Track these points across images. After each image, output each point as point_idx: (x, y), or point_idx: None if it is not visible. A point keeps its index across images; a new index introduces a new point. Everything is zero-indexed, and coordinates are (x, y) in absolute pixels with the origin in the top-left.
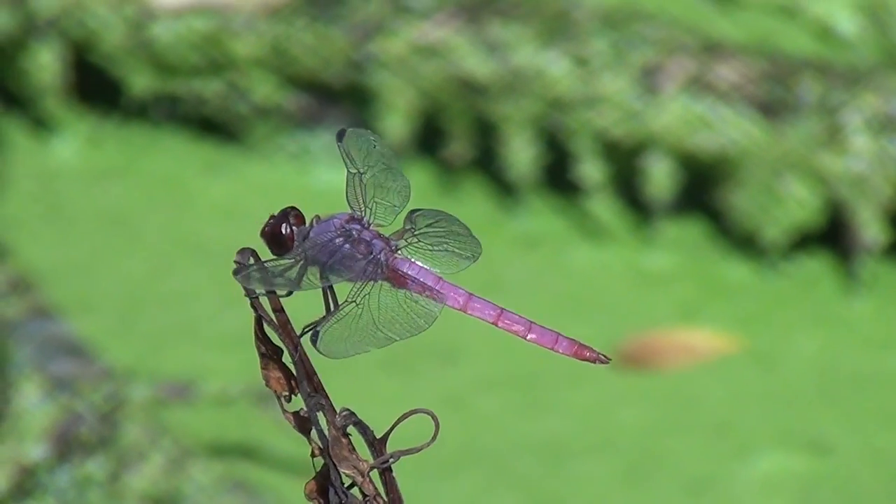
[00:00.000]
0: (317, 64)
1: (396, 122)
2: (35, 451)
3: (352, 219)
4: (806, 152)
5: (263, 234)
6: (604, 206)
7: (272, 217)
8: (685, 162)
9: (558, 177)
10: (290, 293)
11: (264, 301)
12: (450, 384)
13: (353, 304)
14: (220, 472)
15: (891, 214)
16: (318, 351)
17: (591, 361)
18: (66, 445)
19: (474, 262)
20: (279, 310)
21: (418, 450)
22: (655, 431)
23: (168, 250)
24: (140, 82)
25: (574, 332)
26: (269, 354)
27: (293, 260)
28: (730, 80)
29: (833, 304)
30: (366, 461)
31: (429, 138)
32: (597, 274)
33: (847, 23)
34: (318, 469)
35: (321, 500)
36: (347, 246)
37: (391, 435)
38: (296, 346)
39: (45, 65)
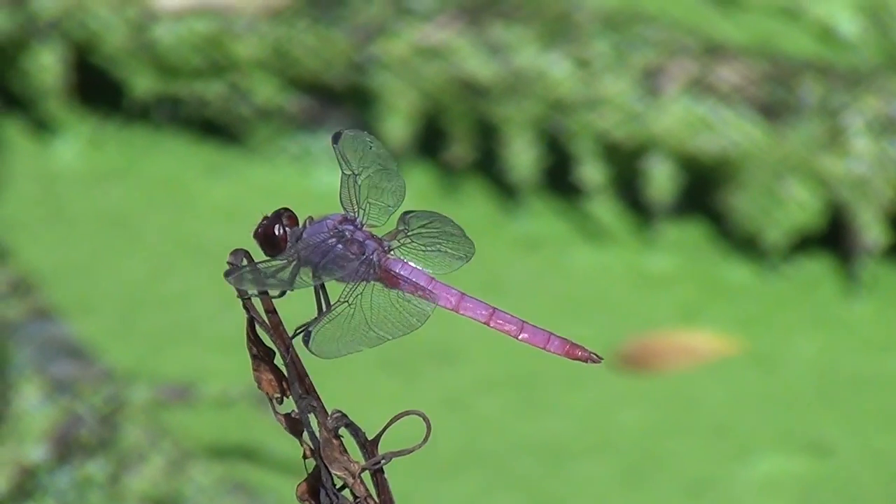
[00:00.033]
0: (318, 66)
1: (398, 123)
2: (35, 452)
3: (345, 219)
4: (807, 154)
5: (256, 235)
6: (605, 208)
7: (265, 218)
8: (686, 164)
9: (559, 178)
10: (283, 294)
11: (257, 303)
12: (449, 385)
13: (346, 304)
14: (220, 473)
15: (891, 216)
16: (310, 351)
17: (584, 361)
18: (67, 447)
19: (467, 262)
20: (271, 311)
21: (410, 451)
22: (655, 433)
23: (169, 252)
24: (141, 84)
25: (575, 333)
26: (261, 356)
27: (286, 261)
28: (731, 81)
29: (833, 306)
30: (357, 463)
31: (430, 140)
32: (597, 275)
33: (848, 24)
34: (310, 471)
35: (313, 502)
36: (340, 246)
37: (384, 436)
38: (287, 348)
39: (47, 66)
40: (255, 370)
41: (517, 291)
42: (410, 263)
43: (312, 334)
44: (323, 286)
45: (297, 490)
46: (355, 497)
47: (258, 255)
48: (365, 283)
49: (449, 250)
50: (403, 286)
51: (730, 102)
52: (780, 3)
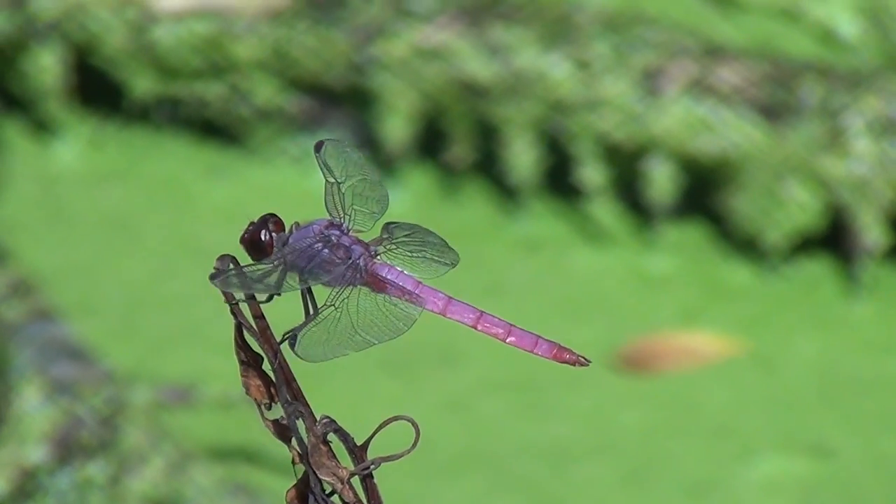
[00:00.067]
0: (318, 67)
1: (398, 124)
2: (36, 454)
3: (331, 224)
4: (807, 155)
5: (243, 240)
6: (605, 210)
7: (251, 224)
8: (686, 165)
9: (559, 180)
10: (270, 298)
11: (244, 308)
12: (451, 387)
13: (332, 307)
14: (220, 475)
15: (892, 218)
16: (297, 355)
17: (571, 364)
18: (67, 448)
19: (453, 268)
20: (259, 316)
21: (399, 457)
22: (657, 434)
23: (169, 253)
24: (141, 85)
25: (575, 335)
26: (249, 362)
27: (272, 265)
28: (731, 83)
29: (834, 308)
30: (346, 468)
31: (430, 141)
32: (598, 277)
33: (848, 26)
34: (299, 476)
35: None
36: (326, 251)
37: (375, 441)
38: (275, 353)
39: (47, 67)
40: (243, 376)
41: (517, 293)
42: (397, 268)
43: (298, 338)
44: (310, 290)
45: (286, 496)
46: (344, 503)
47: (246, 260)
48: (352, 287)
49: (434, 257)
50: (390, 290)
51: (730, 103)
52: (781, 4)
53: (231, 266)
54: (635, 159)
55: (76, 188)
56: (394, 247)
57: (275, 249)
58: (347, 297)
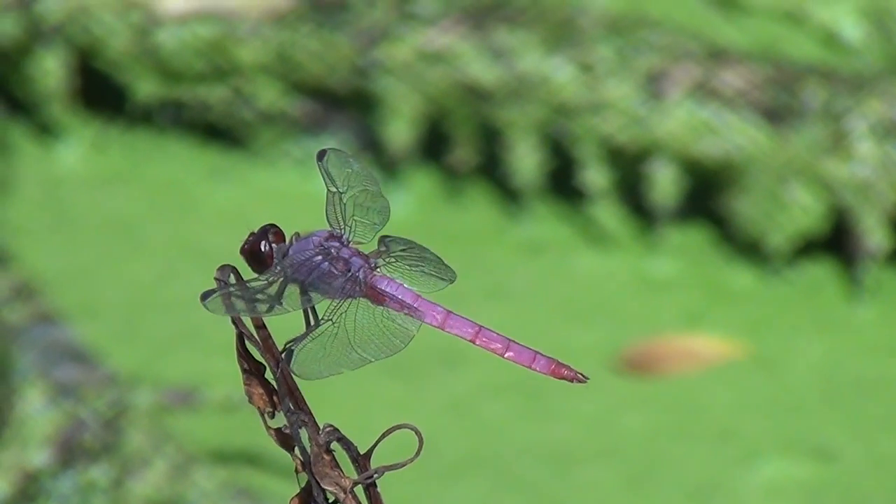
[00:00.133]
0: (322, 70)
1: (401, 128)
2: (38, 457)
3: (331, 236)
4: (810, 158)
5: (243, 251)
6: (608, 213)
7: (251, 234)
8: (690, 168)
9: (563, 183)
10: (270, 310)
11: (246, 317)
12: (454, 390)
13: (330, 322)
14: (223, 478)
15: (895, 220)
16: (293, 371)
17: (569, 380)
18: (70, 451)
19: (451, 284)
20: (261, 326)
21: (402, 465)
22: (660, 437)
23: (172, 256)
24: (145, 88)
25: (578, 338)
26: (252, 371)
27: (272, 278)
28: (735, 86)
29: (837, 311)
30: (349, 478)
31: (434, 144)
32: (601, 280)
33: (852, 29)
34: (302, 485)
35: None
36: (326, 263)
37: (378, 449)
38: (277, 363)
39: (50, 71)
40: (245, 384)
41: (520, 296)
42: (396, 281)
43: (295, 354)
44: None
45: None
46: None
47: (246, 269)
48: (351, 300)
49: (433, 272)
50: (389, 303)
51: (733, 107)
52: (784, 7)
53: (231, 277)
54: (638, 162)
55: (79, 191)
56: (392, 260)
57: (274, 261)
58: (346, 311)
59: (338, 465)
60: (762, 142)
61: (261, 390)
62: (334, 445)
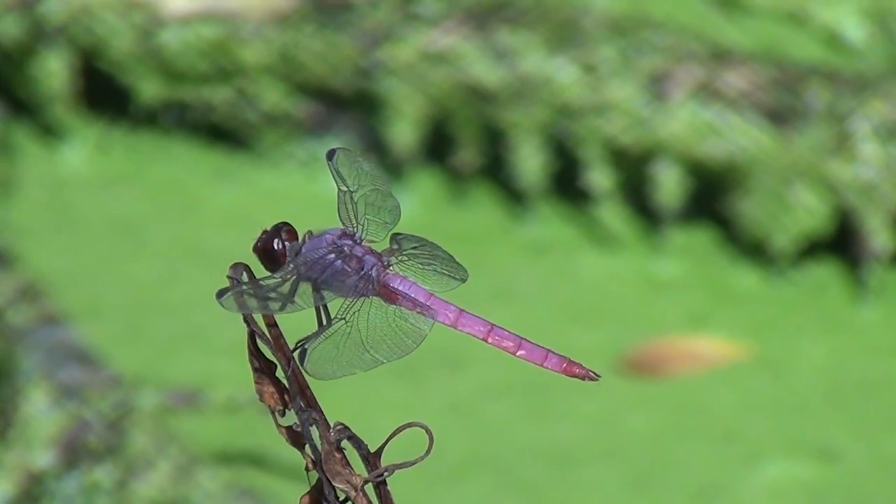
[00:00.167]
0: (325, 71)
1: (405, 129)
2: (43, 458)
3: (344, 234)
4: (814, 159)
5: (255, 249)
6: (612, 214)
7: (264, 232)
8: (693, 169)
9: (567, 184)
10: (283, 308)
11: (257, 315)
12: (457, 391)
13: (343, 321)
14: (227, 479)
15: None
16: (306, 371)
17: (581, 378)
18: (74, 452)
19: (463, 283)
20: (272, 324)
21: (412, 463)
22: (663, 438)
23: (176, 257)
24: (148, 89)
25: (583, 339)
26: (263, 369)
27: (285, 276)
28: (738, 87)
29: (841, 312)
30: (359, 475)
31: (437, 145)
32: (605, 281)
33: (855, 30)
34: (312, 483)
35: None
36: (339, 262)
37: (388, 448)
38: (289, 361)
39: (54, 72)
40: (256, 383)
41: (525, 297)
42: (409, 279)
43: (308, 353)
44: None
45: (300, 503)
46: None
47: (258, 267)
48: (364, 298)
49: (445, 271)
50: (402, 302)
51: (737, 108)
52: (787, 8)
53: (244, 274)
54: (642, 163)
55: (83, 192)
56: (405, 258)
57: (287, 259)
58: (359, 310)
59: (348, 463)
60: (766, 143)
61: (272, 389)
62: (344, 444)
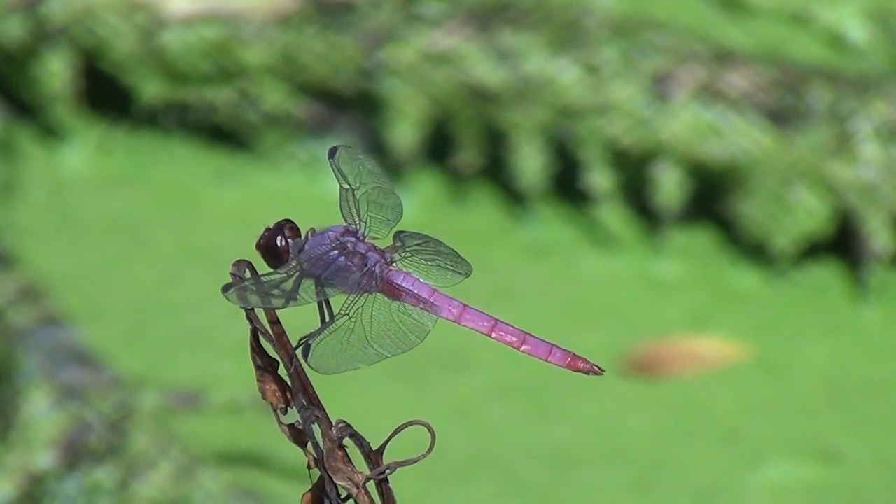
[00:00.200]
0: (327, 72)
1: (406, 129)
2: (44, 459)
3: (347, 231)
4: (815, 160)
5: (258, 246)
6: (613, 215)
7: (267, 229)
8: (695, 170)
9: (568, 185)
10: (285, 304)
11: (260, 313)
12: (459, 392)
13: (346, 317)
14: (228, 480)
15: None
16: (309, 366)
17: (585, 373)
18: (75, 453)
19: (467, 278)
20: (275, 322)
21: (415, 461)
22: (665, 439)
23: (178, 258)
24: (150, 90)
25: (583, 340)
26: (265, 367)
27: (288, 273)
28: (740, 88)
29: (842, 313)
30: (361, 473)
31: (439, 146)
32: (606, 282)
33: (857, 31)
34: (314, 481)
35: None
36: (342, 258)
37: (390, 445)
38: (291, 359)
39: (56, 73)
40: (259, 380)
41: (525, 298)
42: (412, 275)
43: (312, 347)
44: (327, 299)
45: (301, 500)
46: None
47: (262, 264)
48: (367, 294)
49: (448, 266)
50: (405, 298)
51: (738, 109)
52: (789, 9)
53: (247, 272)
54: (643, 164)
55: (84, 193)
56: (408, 255)
57: (290, 256)
58: (362, 306)
59: (350, 461)
60: (767, 144)
61: (274, 386)
62: (346, 441)
